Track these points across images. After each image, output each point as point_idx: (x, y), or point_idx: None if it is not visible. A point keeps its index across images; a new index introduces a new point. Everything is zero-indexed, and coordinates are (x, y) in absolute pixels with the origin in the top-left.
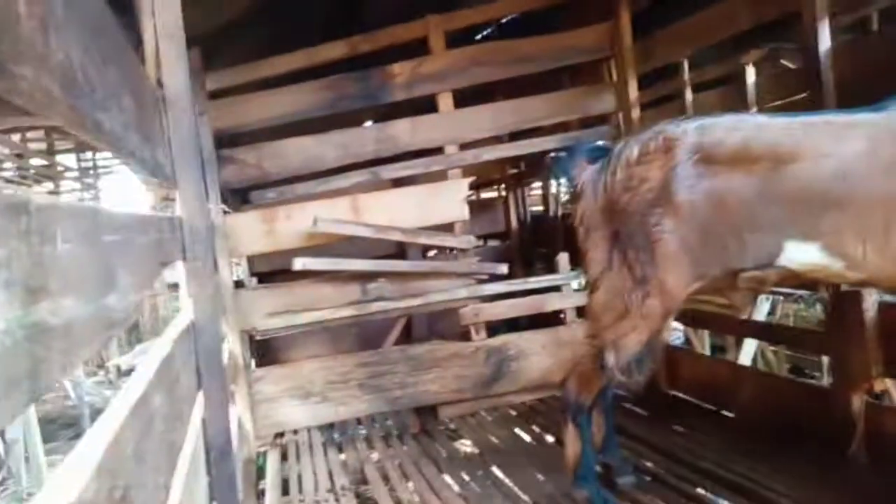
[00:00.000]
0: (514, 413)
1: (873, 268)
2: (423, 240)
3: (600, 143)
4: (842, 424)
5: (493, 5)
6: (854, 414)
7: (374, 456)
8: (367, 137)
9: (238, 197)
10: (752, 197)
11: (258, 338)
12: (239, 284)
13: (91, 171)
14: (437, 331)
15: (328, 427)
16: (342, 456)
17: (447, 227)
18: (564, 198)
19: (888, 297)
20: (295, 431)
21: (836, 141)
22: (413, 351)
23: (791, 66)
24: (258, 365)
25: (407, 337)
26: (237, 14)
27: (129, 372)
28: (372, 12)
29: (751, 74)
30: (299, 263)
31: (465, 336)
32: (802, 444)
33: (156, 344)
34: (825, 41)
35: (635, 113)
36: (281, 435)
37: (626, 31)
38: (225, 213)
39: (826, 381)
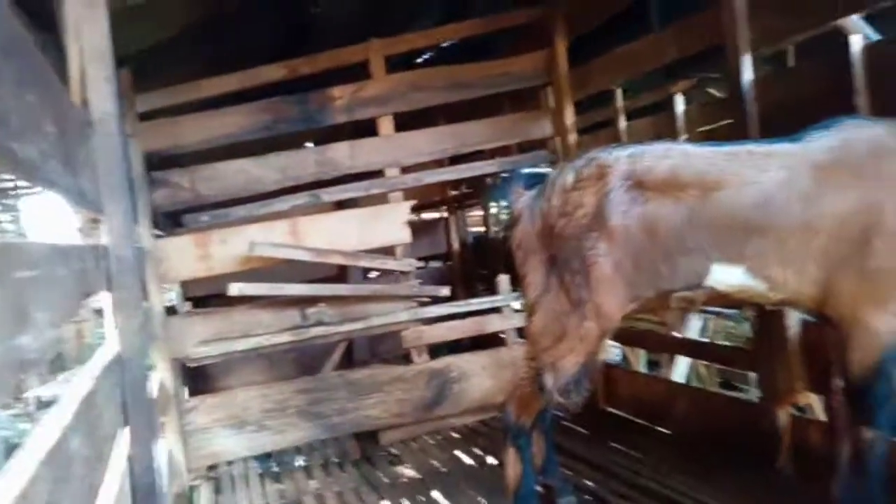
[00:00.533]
0: (456, 436)
1: (793, 289)
2: (365, 263)
3: (536, 169)
4: (769, 438)
5: (434, 31)
6: (780, 428)
7: (313, 485)
8: (306, 160)
9: (171, 220)
10: (681, 222)
11: (191, 366)
12: (172, 311)
13: (11, 192)
14: (379, 354)
15: (265, 457)
16: (280, 486)
17: (389, 250)
18: (504, 220)
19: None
20: (230, 462)
21: (757, 170)
22: (354, 376)
23: (718, 95)
24: (191, 394)
25: (348, 361)
26: (174, 33)
27: (49, 403)
28: (319, 36)
29: (680, 103)
30: (235, 289)
31: (406, 359)
32: (733, 457)
33: (76, 379)
34: (747, 73)
35: (572, 138)
36: (214, 467)
37: (562, 59)
38: (157, 237)
39: (754, 394)
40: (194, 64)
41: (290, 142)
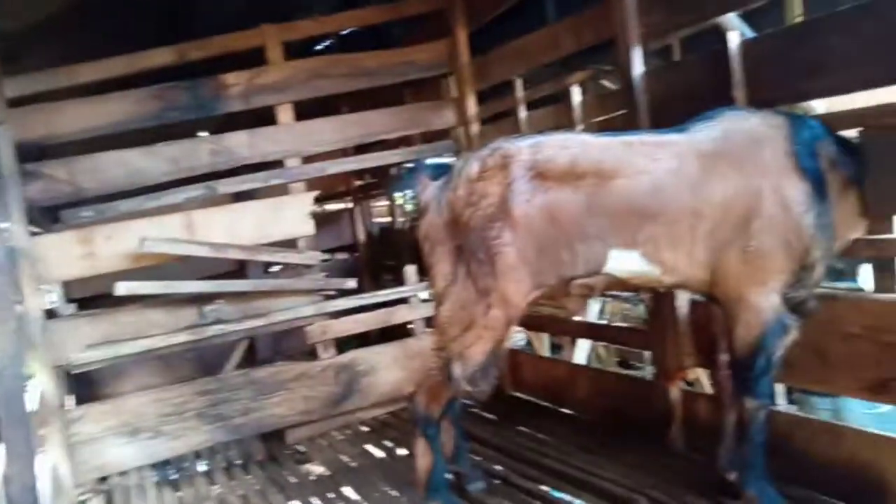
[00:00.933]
0: (365, 429)
1: (684, 272)
2: (265, 257)
3: (441, 160)
4: (663, 413)
5: (333, 18)
6: (672, 402)
7: (216, 490)
8: (200, 150)
9: (49, 216)
10: (580, 210)
11: (76, 372)
12: (53, 314)
13: None
14: (283, 351)
15: (162, 464)
16: (179, 494)
17: (291, 243)
18: (410, 210)
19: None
20: (122, 473)
21: (649, 159)
22: (257, 374)
23: (612, 87)
24: (79, 402)
25: (250, 360)
26: (52, 12)
27: None
28: (204, 21)
29: (576, 94)
30: (123, 288)
31: (313, 355)
32: (631, 433)
33: None
34: (638, 66)
35: (475, 128)
36: (106, 479)
37: (464, 49)
38: (33, 234)
39: (650, 372)
40: (71, 47)
41: (181, 131)
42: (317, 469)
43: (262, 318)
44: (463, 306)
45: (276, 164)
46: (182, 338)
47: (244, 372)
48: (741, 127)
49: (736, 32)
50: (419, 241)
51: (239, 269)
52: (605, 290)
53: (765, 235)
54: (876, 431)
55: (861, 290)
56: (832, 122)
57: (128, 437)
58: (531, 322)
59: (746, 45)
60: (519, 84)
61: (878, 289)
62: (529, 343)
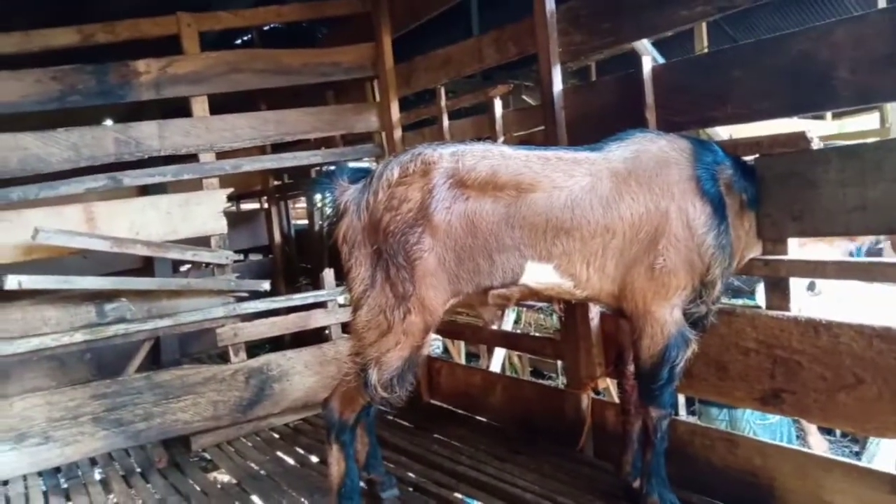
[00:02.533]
0: (276, 436)
1: (595, 286)
2: (174, 254)
3: (361, 164)
4: (574, 421)
5: (253, 11)
6: (583, 411)
7: (112, 500)
8: (105, 138)
9: None
10: (499, 221)
11: None
12: None
13: None
14: (191, 354)
15: (53, 472)
16: None
17: (203, 241)
18: (328, 213)
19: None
20: (5, 482)
21: (566, 175)
22: (161, 377)
23: (532, 102)
24: None
25: (155, 362)
26: None
27: None
28: (113, 7)
29: (498, 107)
30: (13, 282)
31: (223, 358)
32: (543, 441)
33: None
34: (558, 83)
35: (397, 133)
36: None
37: (388, 54)
38: None
39: (561, 382)
40: None
41: (85, 117)
42: (223, 477)
43: (169, 318)
44: (380, 311)
45: (188, 158)
46: (78, 337)
47: (146, 375)
48: (650, 149)
49: (649, 58)
50: (337, 245)
51: (145, 267)
52: (521, 300)
53: (670, 253)
54: (765, 440)
55: (759, 306)
56: (733, 148)
57: (12, 444)
58: (448, 330)
59: (658, 70)
60: (443, 93)
61: (770, 306)
62: (446, 350)
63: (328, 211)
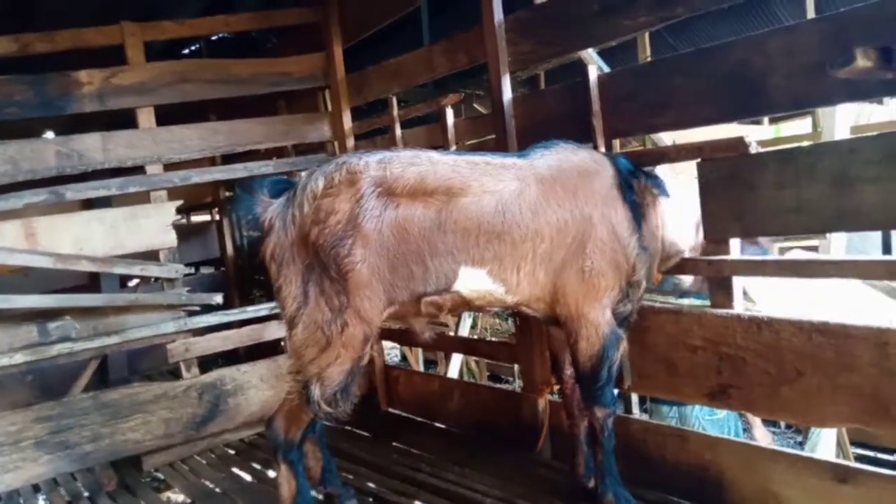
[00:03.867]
0: (232, 452)
1: (526, 292)
2: (120, 269)
3: (280, 177)
4: (531, 424)
5: (200, 21)
6: (540, 414)
7: None
8: (45, 151)
9: None
10: (430, 226)
11: None
12: None
13: None
14: (140, 371)
15: None
16: None
17: (151, 255)
18: (249, 232)
19: None
20: None
21: (495, 180)
22: (109, 396)
23: (483, 111)
24: None
25: (102, 381)
26: None
27: None
28: (46, 10)
29: (450, 115)
30: None
31: (175, 374)
32: (501, 445)
33: None
34: (507, 92)
35: (350, 142)
36: None
37: (339, 64)
38: None
39: (517, 385)
40: None
41: (23, 129)
42: (177, 497)
43: (116, 335)
44: (317, 327)
45: (135, 170)
46: (18, 358)
47: (93, 394)
48: (573, 159)
49: (594, 67)
50: (265, 263)
51: (91, 283)
52: (452, 310)
53: (598, 257)
54: (714, 434)
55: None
56: (676, 154)
57: None
58: (405, 338)
59: (603, 79)
60: (395, 102)
61: (715, 304)
62: (405, 358)
63: (247, 230)
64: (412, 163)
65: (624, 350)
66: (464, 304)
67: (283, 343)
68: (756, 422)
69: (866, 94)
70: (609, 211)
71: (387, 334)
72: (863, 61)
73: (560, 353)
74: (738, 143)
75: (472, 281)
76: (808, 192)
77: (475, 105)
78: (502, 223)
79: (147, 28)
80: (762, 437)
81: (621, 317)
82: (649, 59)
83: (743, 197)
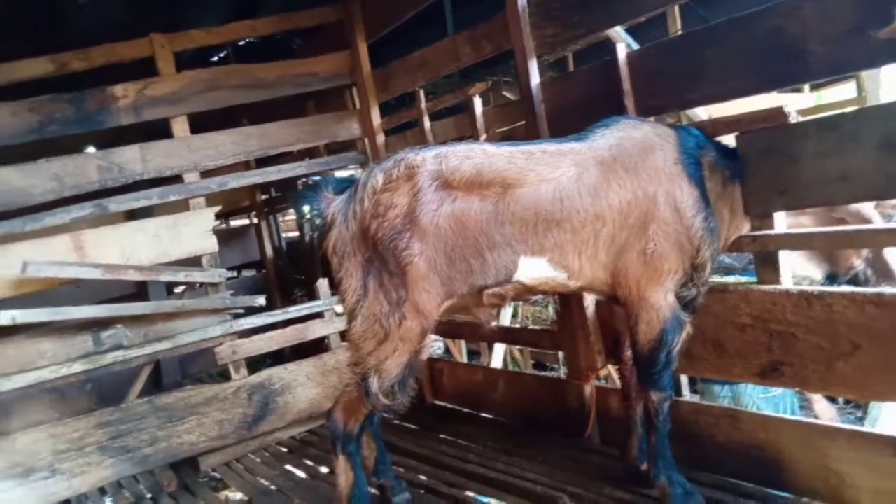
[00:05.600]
0: (284, 450)
1: (588, 276)
2: (166, 277)
3: (345, 175)
4: (578, 410)
5: (226, 28)
6: (587, 400)
7: None
8: (87, 166)
9: None
10: (487, 218)
11: None
12: None
13: None
14: (192, 374)
15: None
16: None
17: (194, 261)
18: (316, 226)
19: None
20: None
21: (551, 167)
22: (163, 400)
23: (511, 97)
24: None
25: (156, 385)
26: None
27: None
28: (78, 27)
29: (478, 104)
30: (6, 317)
31: (224, 376)
32: (548, 433)
33: None
34: (535, 77)
35: (380, 139)
36: None
37: (365, 61)
38: None
39: (562, 372)
40: None
41: (65, 146)
42: (235, 495)
43: (167, 341)
44: (376, 319)
45: (173, 179)
46: (76, 367)
47: (149, 399)
48: (634, 135)
49: (623, 45)
50: (327, 257)
51: (139, 291)
52: (516, 298)
53: (660, 238)
54: (769, 413)
55: (753, 282)
56: (713, 127)
57: (19, 480)
58: (448, 330)
59: (632, 56)
60: (422, 95)
61: (762, 281)
62: (447, 351)
63: (316, 223)
64: (468, 156)
65: (687, 334)
66: (527, 292)
67: (326, 341)
68: (816, 397)
69: None
70: (673, 188)
71: None
72: None
73: (621, 333)
74: (777, 114)
75: (534, 269)
76: (854, 159)
77: (504, 93)
78: (561, 210)
79: (175, 39)
80: (824, 411)
81: (685, 300)
82: (680, 32)
83: (784, 169)
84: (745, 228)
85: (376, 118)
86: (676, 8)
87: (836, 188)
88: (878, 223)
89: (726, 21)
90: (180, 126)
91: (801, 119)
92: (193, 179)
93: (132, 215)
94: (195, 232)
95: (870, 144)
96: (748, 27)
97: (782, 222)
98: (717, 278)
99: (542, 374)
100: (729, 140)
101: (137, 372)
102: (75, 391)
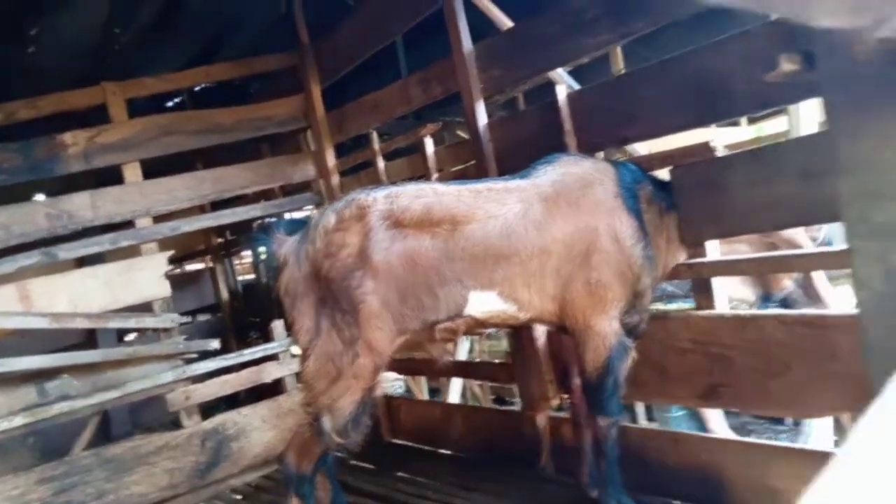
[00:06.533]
0: (238, 497)
1: (538, 307)
2: (116, 323)
3: (297, 215)
4: (533, 442)
5: (180, 74)
6: (540, 431)
7: None
8: (36, 214)
9: None
10: (438, 255)
11: None
12: None
13: None
14: (143, 423)
15: None
16: None
17: (147, 307)
18: (269, 268)
19: None
20: None
21: (498, 204)
22: (110, 451)
23: (465, 136)
24: None
25: (105, 436)
26: None
27: None
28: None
29: (429, 145)
30: None
31: (176, 424)
32: (505, 465)
33: None
34: (482, 117)
35: (335, 180)
36: None
37: (318, 104)
38: None
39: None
40: None
41: (13, 194)
42: None
43: (115, 389)
44: (329, 359)
45: (126, 224)
46: (18, 420)
47: (95, 451)
48: (575, 171)
49: (563, 86)
50: (280, 298)
51: (89, 340)
52: (467, 332)
53: (603, 268)
54: (711, 435)
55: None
56: (649, 162)
57: None
58: (405, 367)
59: (572, 97)
60: (375, 136)
61: (699, 306)
62: (408, 389)
63: (270, 264)
64: (418, 195)
65: (633, 360)
66: (478, 326)
67: (282, 382)
68: (710, 415)
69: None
70: (613, 220)
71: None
72: (787, 65)
73: (570, 362)
74: (704, 148)
75: (484, 303)
76: (778, 188)
77: (459, 132)
78: (508, 245)
79: (127, 86)
80: (718, 429)
81: (629, 327)
82: (622, 72)
83: (715, 199)
84: (682, 257)
85: (331, 159)
86: (619, 49)
87: (763, 216)
88: (806, 248)
89: (659, 63)
90: (132, 171)
91: (727, 152)
92: (146, 224)
93: (82, 262)
94: (148, 277)
95: (791, 174)
96: (678, 67)
97: (715, 250)
98: (660, 305)
99: (499, 407)
100: (664, 174)
101: (85, 423)
102: (17, 445)
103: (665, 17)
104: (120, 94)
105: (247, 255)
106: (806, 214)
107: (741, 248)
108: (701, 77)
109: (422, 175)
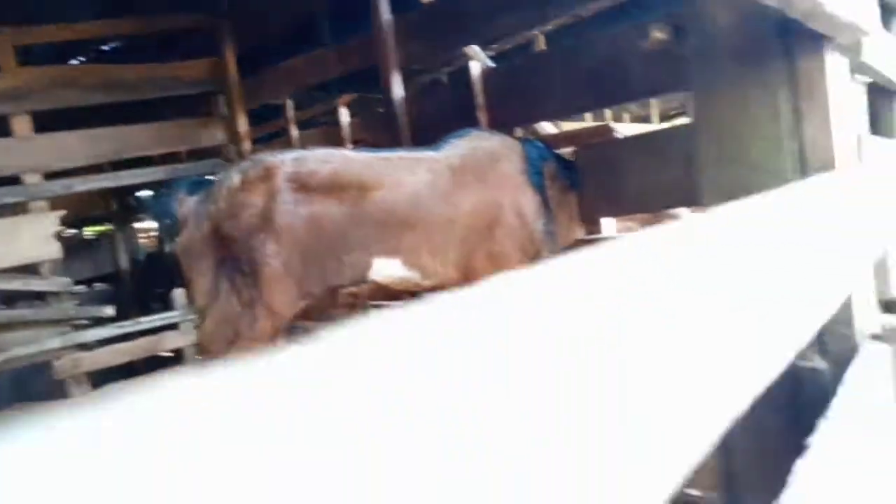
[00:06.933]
0: None
1: (440, 276)
2: None
3: (199, 177)
4: None
5: (82, 25)
6: None
7: None
8: None
9: None
10: (344, 220)
11: None
12: None
13: None
14: (28, 392)
15: None
16: None
17: (33, 269)
18: (170, 230)
19: None
20: None
21: (408, 172)
22: None
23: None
24: None
25: None
26: None
27: None
28: None
29: (345, 115)
30: None
31: (65, 395)
32: None
33: None
34: (398, 91)
35: (246, 146)
36: None
37: (232, 68)
38: None
39: None
40: None
41: None
42: None
43: None
44: (227, 320)
45: (13, 180)
46: None
47: None
48: (484, 146)
49: (477, 63)
50: (178, 258)
51: None
52: (371, 299)
53: (506, 241)
54: None
55: None
56: (555, 141)
57: None
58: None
59: (486, 74)
60: (290, 104)
61: None
62: None
63: (169, 224)
64: (326, 160)
65: None
66: (381, 292)
67: (183, 352)
68: None
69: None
70: (518, 195)
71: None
72: (657, 34)
73: None
74: (605, 130)
75: (388, 270)
76: (665, 172)
77: (379, 109)
78: (415, 213)
79: (20, 33)
80: None
81: None
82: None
83: (611, 179)
84: (581, 233)
85: (243, 125)
86: (542, 36)
87: (652, 197)
88: None
89: (566, 48)
90: (21, 125)
91: (623, 136)
92: (35, 181)
93: None
94: (35, 237)
95: (677, 159)
96: (585, 53)
97: (611, 227)
98: None
99: None
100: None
101: None
102: None
103: (584, 9)
104: (10, 40)
105: (153, 224)
106: (689, 197)
107: (633, 226)
108: (601, 64)
109: (336, 145)
